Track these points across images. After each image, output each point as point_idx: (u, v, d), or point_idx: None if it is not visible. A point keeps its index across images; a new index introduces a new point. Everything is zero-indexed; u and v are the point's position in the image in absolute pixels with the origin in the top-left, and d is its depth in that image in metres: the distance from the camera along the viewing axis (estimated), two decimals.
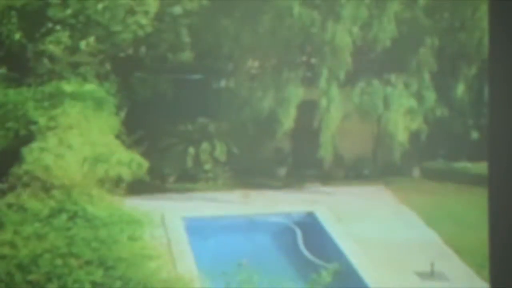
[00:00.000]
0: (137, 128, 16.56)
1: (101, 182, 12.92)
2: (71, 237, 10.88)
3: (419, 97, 19.28)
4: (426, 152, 20.73)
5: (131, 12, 18.45)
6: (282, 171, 20.71)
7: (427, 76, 19.26)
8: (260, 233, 18.20)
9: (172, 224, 17.30)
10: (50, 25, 17.93)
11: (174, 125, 20.66)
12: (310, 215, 18.18)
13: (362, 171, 20.42)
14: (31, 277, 10.22)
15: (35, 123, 15.94)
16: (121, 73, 18.83)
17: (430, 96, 19.29)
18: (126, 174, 13.54)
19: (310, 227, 17.75)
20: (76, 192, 12.01)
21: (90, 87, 17.78)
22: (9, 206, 12.17)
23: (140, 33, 18.52)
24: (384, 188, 19.78)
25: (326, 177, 20.26)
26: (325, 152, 19.01)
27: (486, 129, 3.46)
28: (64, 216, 11.51)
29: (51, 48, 17.80)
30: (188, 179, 20.13)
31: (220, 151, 20.16)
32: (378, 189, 19.66)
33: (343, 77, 18.55)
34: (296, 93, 19.18)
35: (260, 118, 19.82)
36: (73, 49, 18.02)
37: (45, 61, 17.79)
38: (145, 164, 13.82)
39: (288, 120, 19.15)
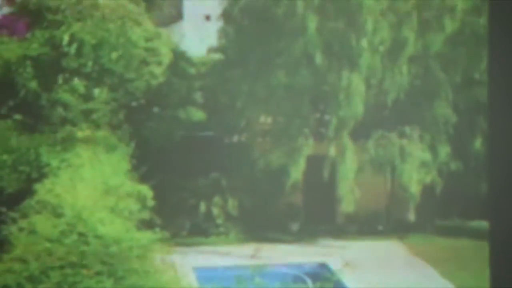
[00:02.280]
0: (148, 181, 16.93)
1: (112, 211, 13.42)
2: (81, 252, 11.30)
3: (433, 150, 19.80)
4: (440, 209, 21.11)
5: (145, 62, 19.23)
6: (295, 226, 21.13)
7: (441, 129, 19.81)
8: (271, 283, 18.46)
9: (183, 274, 17.63)
10: (64, 74, 18.68)
11: (185, 179, 21.21)
12: (323, 266, 18.49)
13: (376, 227, 20.79)
14: (42, 286, 10.62)
15: (47, 165, 16.53)
16: (133, 122, 19.50)
17: (444, 149, 19.80)
18: (135, 205, 14.04)
19: (322, 278, 18.03)
20: (86, 214, 12.49)
21: (103, 133, 18.46)
22: (20, 229, 12.65)
23: (153, 82, 19.24)
24: (398, 242, 20.13)
25: (338, 232, 20.64)
26: (347, 206, 19.40)
27: (487, 133, 3.57)
28: (75, 236, 11.96)
29: (66, 96, 18.51)
30: (200, 233, 20.57)
31: (232, 206, 20.66)
32: (392, 244, 20.01)
33: (351, 126, 19.10)
34: (306, 144, 19.73)
35: (272, 172, 20.36)
36: (87, 97, 18.74)
37: (59, 109, 18.48)
38: (150, 194, 14.35)
39: (297, 171, 19.65)
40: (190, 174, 21.28)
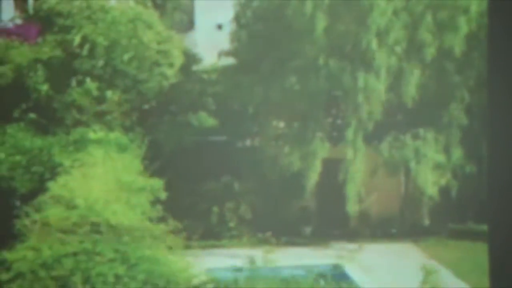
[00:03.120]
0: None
1: (125, 204, 13.58)
2: (94, 241, 11.46)
3: (448, 152, 19.89)
4: (455, 212, 21.17)
5: (156, 64, 19.47)
6: (308, 229, 21.23)
7: (456, 132, 19.90)
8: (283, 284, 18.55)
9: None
10: (77, 76, 18.94)
11: (197, 183, 21.36)
12: (337, 268, 18.56)
13: (390, 230, 20.87)
14: (55, 273, 10.78)
15: (60, 165, 16.73)
16: (145, 125, 19.70)
17: (458, 152, 19.89)
18: (147, 199, 14.21)
19: (337, 279, 18.11)
20: (99, 206, 12.66)
21: (115, 135, 18.64)
22: (34, 222, 12.83)
23: (165, 83, 19.48)
24: (412, 245, 20.20)
25: (352, 235, 20.72)
26: (350, 207, 19.53)
27: (486, 131, 3.69)
28: (87, 227, 12.12)
29: (79, 98, 18.74)
30: (213, 236, 20.69)
31: (244, 209, 20.80)
32: (406, 246, 20.08)
33: (371, 128, 19.21)
34: (322, 147, 19.87)
35: (285, 175, 20.49)
36: (100, 99, 18.96)
37: (73, 111, 18.71)
38: (161, 185, 14.53)
39: (314, 174, 19.77)
40: (202, 178, 21.43)
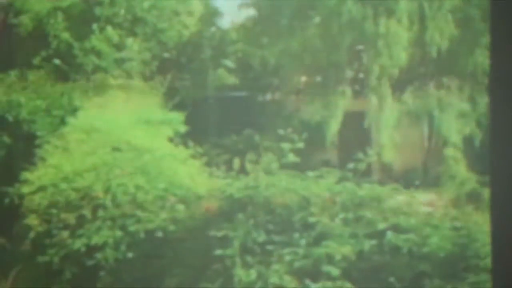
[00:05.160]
0: None
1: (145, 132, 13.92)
2: (114, 157, 11.83)
3: (472, 101, 20.03)
4: (477, 163, 21.29)
5: (176, 13, 19.79)
6: None
7: (480, 80, 20.03)
8: None
9: None
10: (97, 23, 19.29)
11: (218, 137, 21.63)
12: None
13: (413, 182, 21.02)
14: (76, 185, 11.15)
15: (80, 108, 17.11)
16: (165, 74, 20.01)
17: (483, 100, 20.01)
18: (168, 131, 14.56)
19: None
20: (119, 130, 13.02)
21: (136, 82, 19.01)
22: (55, 147, 13.22)
23: (185, 32, 19.79)
24: (435, 197, 20.37)
25: None
26: (387, 154, 19.57)
27: (488, 131, 3.63)
28: (107, 149, 12.49)
29: (98, 45, 19.10)
30: None
31: (265, 161, 21.01)
32: (429, 197, 20.25)
33: (395, 75, 19.35)
34: (343, 97, 20.05)
35: (307, 127, 20.70)
36: (120, 47, 19.31)
37: (93, 57, 19.06)
38: (182, 118, 14.85)
39: (336, 124, 19.96)
40: (223, 131, 21.70)
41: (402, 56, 19.27)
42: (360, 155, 11.42)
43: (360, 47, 20.61)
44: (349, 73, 21.59)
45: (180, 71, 21.07)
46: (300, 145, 11.55)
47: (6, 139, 17.41)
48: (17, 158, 15.39)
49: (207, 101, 21.58)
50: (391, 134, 19.68)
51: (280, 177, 10.55)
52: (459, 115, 19.95)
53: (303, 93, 21.53)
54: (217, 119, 21.91)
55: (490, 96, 3.52)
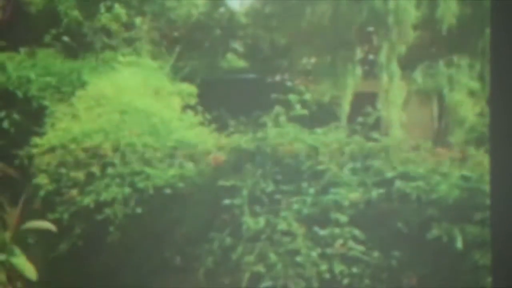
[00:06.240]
0: None
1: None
2: (123, 120, 11.94)
3: (482, 79, 20.06)
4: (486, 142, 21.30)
5: None
6: None
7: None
8: None
9: None
10: (106, 2, 19.42)
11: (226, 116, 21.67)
12: None
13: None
14: (85, 145, 11.26)
15: (89, 83, 17.23)
16: (174, 55, 20.12)
17: None
18: (178, 103, 14.64)
19: None
20: (127, 97, 13.12)
21: (145, 60, 19.12)
22: (64, 114, 13.35)
23: (194, 11, 19.90)
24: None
25: None
26: (396, 131, 19.57)
27: (488, 129, 3.65)
28: (116, 113, 12.58)
29: (108, 23, 19.23)
30: None
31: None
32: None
33: (403, 52, 19.39)
34: (353, 75, 20.10)
35: (318, 106, 20.74)
36: (129, 25, 19.44)
37: (102, 36, 19.19)
38: (193, 90, 14.92)
39: (346, 103, 20.02)
40: (231, 111, 21.75)
41: (411, 32, 19.32)
42: (369, 108, 11.33)
43: (371, 28, 20.67)
44: (359, 55, 21.64)
45: (189, 50, 21.18)
46: (308, 96, 11.45)
47: (16, 116, 17.53)
48: (26, 134, 15.53)
49: (215, 83, 21.69)
50: (400, 113, 19.71)
51: (288, 129, 10.59)
52: (469, 93, 19.98)
53: (312, 73, 21.59)
54: (225, 99, 22.00)
55: (490, 96, 3.53)
